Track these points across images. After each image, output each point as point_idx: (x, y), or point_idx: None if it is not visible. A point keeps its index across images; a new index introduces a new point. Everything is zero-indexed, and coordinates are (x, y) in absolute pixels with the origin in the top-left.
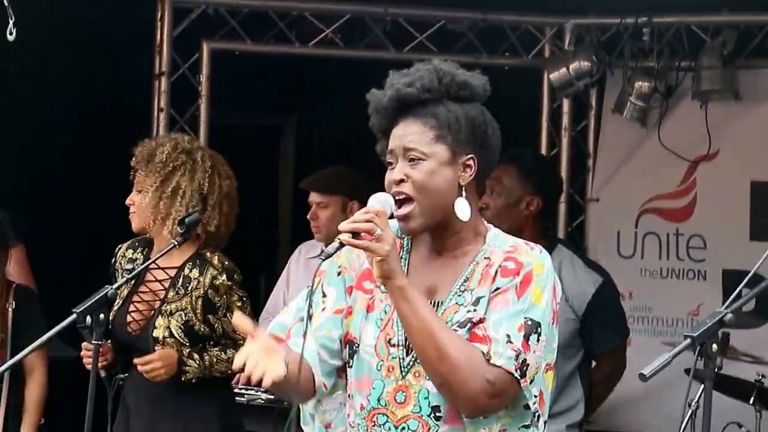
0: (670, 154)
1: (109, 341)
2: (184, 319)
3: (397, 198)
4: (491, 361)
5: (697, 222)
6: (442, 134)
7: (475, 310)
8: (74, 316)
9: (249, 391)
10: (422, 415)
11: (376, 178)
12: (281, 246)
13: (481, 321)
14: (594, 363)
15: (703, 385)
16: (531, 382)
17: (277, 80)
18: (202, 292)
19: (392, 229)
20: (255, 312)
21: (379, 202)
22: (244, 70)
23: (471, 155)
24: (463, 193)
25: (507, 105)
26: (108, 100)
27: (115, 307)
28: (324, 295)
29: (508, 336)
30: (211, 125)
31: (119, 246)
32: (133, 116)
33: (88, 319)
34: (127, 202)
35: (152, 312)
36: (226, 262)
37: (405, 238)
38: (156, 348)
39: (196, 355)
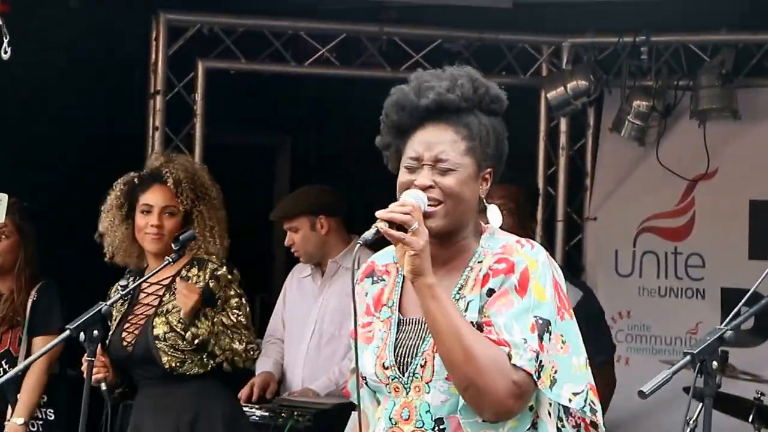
0: (669, 173)
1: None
2: (181, 315)
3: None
4: (513, 362)
5: (695, 241)
6: (472, 146)
7: (465, 315)
8: (67, 332)
9: (244, 408)
10: (426, 429)
11: (372, 194)
12: (277, 266)
13: (487, 323)
14: None
15: (701, 404)
16: (553, 384)
17: (272, 99)
18: (202, 283)
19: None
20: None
21: (415, 198)
22: (240, 89)
23: (490, 169)
24: (485, 204)
25: (504, 124)
26: (104, 119)
27: (110, 333)
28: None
29: (525, 339)
30: (206, 144)
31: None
32: (128, 135)
33: (82, 335)
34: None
35: (146, 320)
36: (224, 260)
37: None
38: (157, 345)
39: (205, 320)
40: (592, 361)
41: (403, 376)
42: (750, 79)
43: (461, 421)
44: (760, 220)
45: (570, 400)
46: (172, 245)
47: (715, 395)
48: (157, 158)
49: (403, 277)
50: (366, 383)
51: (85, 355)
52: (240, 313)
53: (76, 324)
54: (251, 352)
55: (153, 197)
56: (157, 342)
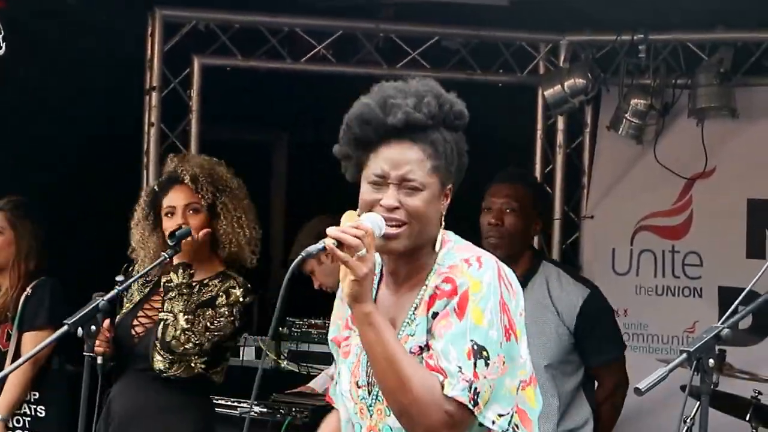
0: (666, 171)
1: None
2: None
3: (389, 224)
4: (445, 392)
5: (693, 239)
6: (438, 165)
7: (413, 337)
8: (65, 327)
9: (242, 404)
10: None
11: None
12: (273, 263)
13: (427, 347)
14: (597, 382)
15: (698, 402)
16: (486, 405)
17: (268, 96)
18: (213, 293)
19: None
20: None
21: (372, 222)
22: (236, 86)
23: (450, 186)
24: (442, 223)
25: (501, 122)
26: (100, 116)
27: (124, 310)
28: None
29: (460, 367)
30: (202, 140)
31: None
32: (126, 134)
33: (80, 330)
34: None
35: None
36: (249, 285)
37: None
38: (156, 343)
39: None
40: (598, 361)
41: (368, 396)
42: (748, 77)
43: None
44: (758, 218)
45: (494, 422)
46: (168, 241)
47: (711, 393)
48: (172, 160)
49: (376, 295)
50: (342, 396)
51: (84, 349)
52: (215, 321)
53: (74, 319)
54: (187, 340)
55: (174, 198)
56: (157, 342)
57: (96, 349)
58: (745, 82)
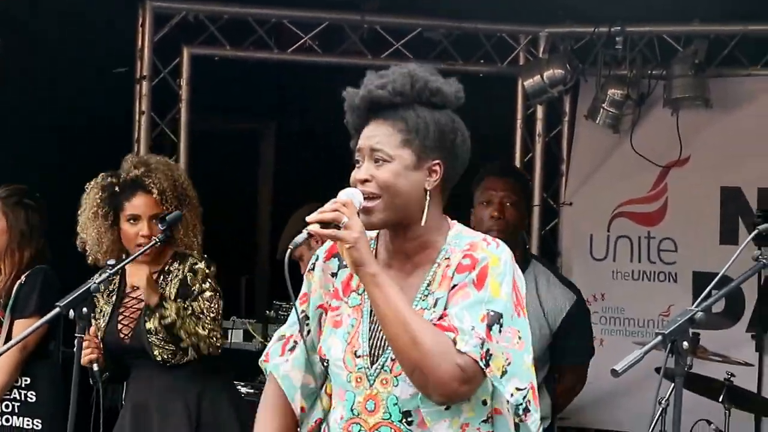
0: (642, 159)
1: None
2: (161, 320)
3: (364, 197)
4: (458, 347)
5: (668, 226)
6: (409, 138)
7: (434, 312)
8: (57, 309)
9: None
10: (393, 421)
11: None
12: (260, 249)
13: (443, 315)
14: (557, 377)
15: (673, 384)
16: (504, 373)
17: (256, 86)
18: (180, 276)
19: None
20: (227, 312)
21: (347, 194)
22: (224, 76)
23: (437, 161)
24: (428, 198)
25: (482, 111)
26: (91, 103)
27: (102, 325)
28: (307, 317)
29: (473, 326)
30: (191, 129)
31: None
32: (115, 119)
33: (71, 312)
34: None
35: (139, 313)
36: (205, 256)
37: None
38: (149, 338)
39: (174, 303)
40: (570, 361)
41: (371, 367)
42: (722, 68)
43: (422, 410)
44: (731, 206)
45: (512, 395)
46: (159, 226)
47: (685, 375)
48: (136, 166)
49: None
50: (326, 365)
51: (76, 332)
52: (211, 305)
53: (66, 302)
54: (214, 339)
55: (139, 206)
56: (149, 336)
57: (90, 356)
58: (719, 73)
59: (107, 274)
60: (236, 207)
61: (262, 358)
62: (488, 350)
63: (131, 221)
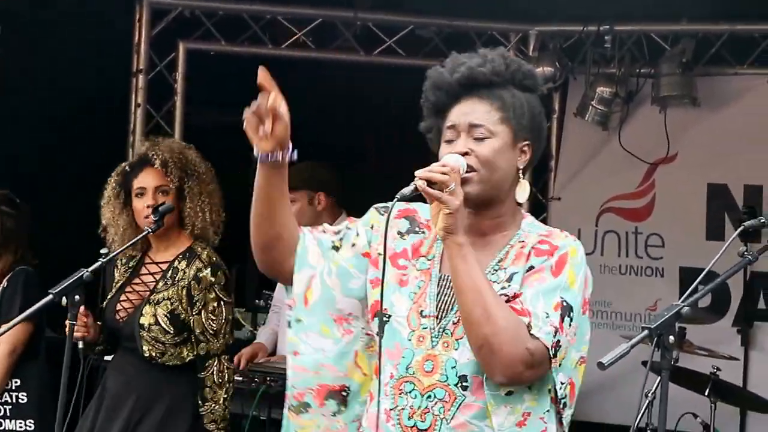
0: (630, 156)
1: (98, 321)
2: (170, 308)
3: None
4: (532, 332)
5: (655, 221)
6: (507, 116)
7: (509, 286)
8: (50, 296)
9: None
10: (449, 384)
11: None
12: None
13: (516, 296)
14: None
15: (659, 377)
16: (559, 366)
17: (250, 80)
18: (186, 282)
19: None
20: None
21: (454, 160)
22: (219, 70)
23: (528, 142)
24: (521, 176)
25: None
26: (89, 96)
27: (109, 296)
28: (357, 234)
29: (547, 313)
30: (186, 122)
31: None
32: (111, 111)
33: (64, 299)
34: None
35: (141, 301)
36: (214, 258)
37: None
38: (141, 333)
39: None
40: None
41: (436, 327)
42: (709, 67)
43: (487, 391)
44: (718, 202)
45: (559, 387)
46: (152, 216)
47: (671, 369)
48: (143, 143)
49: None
50: (388, 320)
51: (68, 318)
52: (215, 318)
53: (59, 289)
54: (216, 366)
55: (144, 180)
56: (141, 331)
57: (75, 334)
58: (706, 72)
59: (99, 263)
60: (228, 198)
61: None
62: (559, 341)
63: (138, 196)
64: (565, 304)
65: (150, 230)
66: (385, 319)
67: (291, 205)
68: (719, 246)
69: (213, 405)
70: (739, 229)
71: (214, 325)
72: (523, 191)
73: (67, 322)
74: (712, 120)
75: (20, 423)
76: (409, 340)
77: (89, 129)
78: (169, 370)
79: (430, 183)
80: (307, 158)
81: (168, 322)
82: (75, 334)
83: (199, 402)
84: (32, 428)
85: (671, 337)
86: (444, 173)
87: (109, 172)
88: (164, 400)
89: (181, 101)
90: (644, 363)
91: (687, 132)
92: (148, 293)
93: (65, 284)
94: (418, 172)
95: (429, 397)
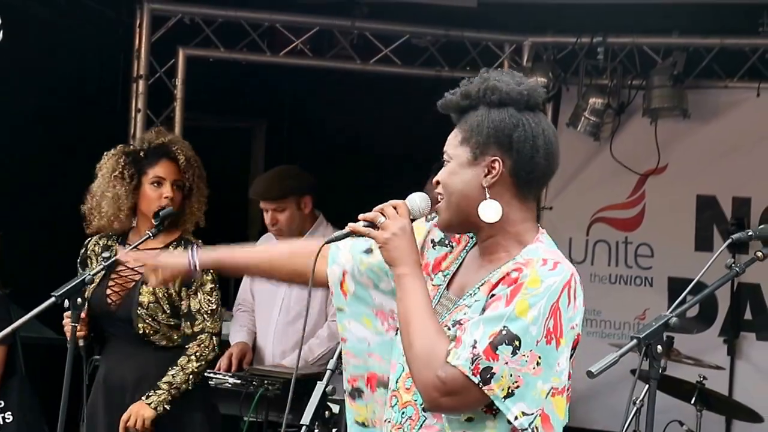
0: (621, 167)
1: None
2: (168, 289)
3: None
4: (448, 360)
5: (645, 232)
6: (466, 137)
7: (469, 312)
8: (53, 299)
9: (217, 376)
10: (417, 403)
11: (338, 174)
12: (250, 242)
13: (462, 322)
14: None
15: (647, 385)
16: (510, 395)
17: (248, 86)
18: None
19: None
20: (223, 302)
21: (410, 199)
22: (218, 76)
23: (495, 157)
24: (487, 195)
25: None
26: (89, 101)
27: (92, 287)
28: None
29: (475, 341)
30: (185, 127)
31: (89, 238)
32: (112, 116)
33: (66, 302)
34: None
35: (132, 284)
36: (200, 241)
37: (471, 237)
38: (139, 311)
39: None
40: None
41: None
42: (699, 80)
43: (443, 415)
44: (707, 214)
45: (516, 418)
46: (153, 220)
47: (659, 377)
48: (159, 135)
49: (466, 252)
50: (397, 333)
51: (69, 320)
52: (211, 299)
53: (61, 291)
54: (205, 341)
55: (164, 171)
56: (140, 309)
57: (78, 333)
58: (697, 85)
59: (101, 267)
60: (227, 202)
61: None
62: (489, 368)
63: (155, 184)
64: (505, 332)
65: (150, 234)
66: (394, 332)
67: (281, 213)
68: (707, 257)
69: (179, 371)
70: (728, 242)
71: (211, 305)
72: (485, 209)
73: (70, 324)
74: (702, 132)
75: None
76: (402, 354)
77: (89, 133)
78: (163, 350)
79: (371, 224)
80: (304, 162)
81: (166, 301)
82: (78, 333)
83: (169, 367)
84: None
85: (660, 347)
86: (378, 210)
87: None
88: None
89: (180, 107)
90: (633, 371)
91: (677, 144)
92: (139, 276)
93: (67, 287)
94: (360, 216)
95: (403, 413)
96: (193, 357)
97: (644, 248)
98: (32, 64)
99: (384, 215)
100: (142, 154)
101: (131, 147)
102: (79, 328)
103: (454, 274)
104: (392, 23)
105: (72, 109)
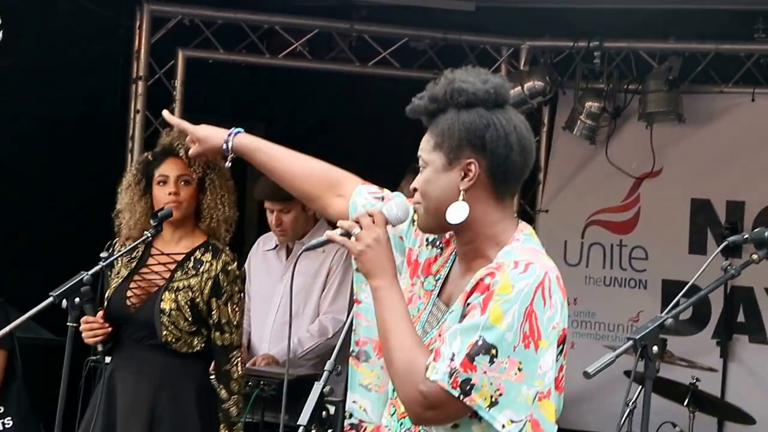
0: (617, 170)
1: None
2: (190, 296)
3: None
4: (427, 375)
5: (639, 235)
6: (439, 141)
7: (446, 322)
8: (50, 299)
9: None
10: (405, 416)
11: None
12: (247, 244)
13: (441, 335)
14: None
15: (641, 386)
16: (494, 404)
17: (247, 88)
18: (213, 274)
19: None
20: None
21: (386, 206)
22: (217, 78)
23: (471, 160)
24: (461, 198)
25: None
26: (88, 102)
27: (113, 285)
28: None
29: (453, 354)
30: None
31: (115, 239)
32: (111, 117)
33: (64, 302)
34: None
35: (156, 289)
36: (234, 256)
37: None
38: (161, 318)
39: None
40: None
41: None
42: (695, 85)
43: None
44: (701, 217)
45: (504, 426)
46: (150, 221)
47: (654, 379)
48: (168, 134)
49: (456, 255)
50: None
51: (86, 326)
52: (238, 310)
53: (59, 291)
54: (233, 356)
55: (167, 168)
56: (162, 315)
57: (96, 338)
58: (692, 90)
59: (100, 266)
60: None
61: None
62: (468, 380)
63: (160, 184)
64: (481, 342)
65: (149, 235)
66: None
67: (286, 214)
68: (701, 260)
69: (237, 397)
70: (723, 245)
71: (237, 316)
72: (452, 210)
73: (69, 324)
74: (697, 136)
75: None
76: None
77: (88, 135)
78: (182, 357)
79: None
80: None
81: (188, 309)
82: (94, 338)
83: (224, 394)
84: None
85: (654, 348)
86: (354, 219)
87: (108, 178)
88: (185, 384)
89: (179, 108)
90: (626, 373)
91: (672, 148)
92: (163, 281)
93: (65, 287)
94: (339, 222)
95: (401, 423)
96: (240, 379)
97: (639, 251)
98: (32, 65)
99: (360, 225)
100: (150, 157)
101: (145, 155)
102: (95, 332)
103: (445, 280)
104: (391, 26)
105: (71, 110)
